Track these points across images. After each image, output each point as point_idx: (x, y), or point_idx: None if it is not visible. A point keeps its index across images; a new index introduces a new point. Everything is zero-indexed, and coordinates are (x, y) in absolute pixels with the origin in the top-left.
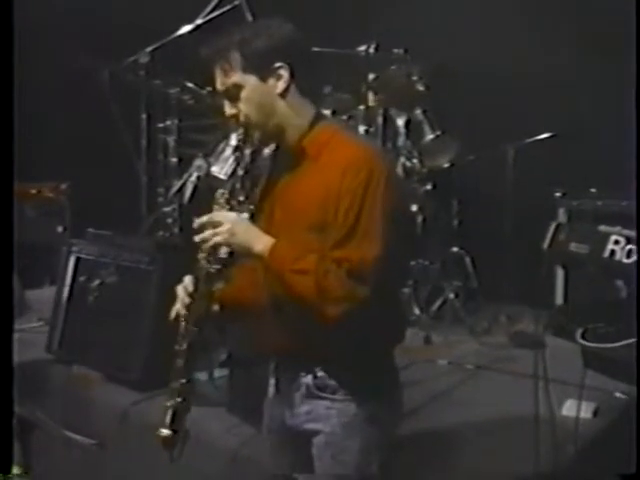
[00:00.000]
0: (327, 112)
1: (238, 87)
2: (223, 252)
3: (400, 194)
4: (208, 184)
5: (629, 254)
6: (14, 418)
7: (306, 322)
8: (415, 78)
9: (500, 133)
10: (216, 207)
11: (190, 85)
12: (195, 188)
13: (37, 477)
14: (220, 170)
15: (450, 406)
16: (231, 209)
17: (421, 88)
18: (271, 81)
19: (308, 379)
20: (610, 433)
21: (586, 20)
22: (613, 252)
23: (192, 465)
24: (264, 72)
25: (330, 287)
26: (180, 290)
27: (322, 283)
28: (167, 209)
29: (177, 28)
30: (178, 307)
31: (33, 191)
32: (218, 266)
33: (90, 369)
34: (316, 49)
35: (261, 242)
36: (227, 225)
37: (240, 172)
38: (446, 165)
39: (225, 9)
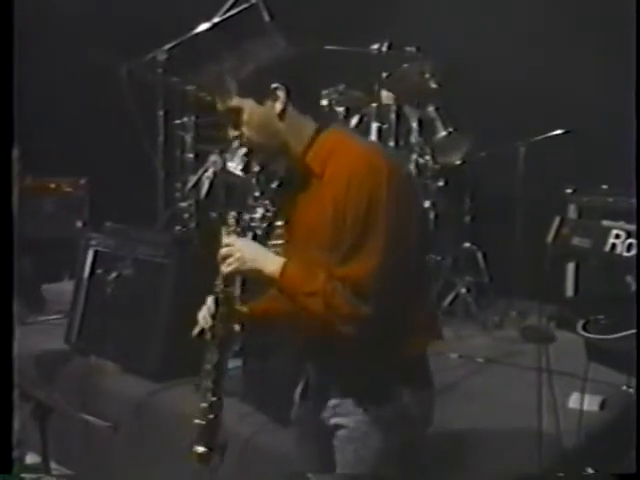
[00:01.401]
0: (340, 109)
1: (237, 111)
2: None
3: (409, 196)
4: (224, 180)
5: (629, 248)
6: (33, 402)
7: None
8: (428, 76)
9: (512, 130)
10: (226, 229)
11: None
12: (211, 184)
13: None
14: (236, 166)
15: (459, 398)
16: (242, 230)
17: (434, 85)
18: (269, 102)
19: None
20: (616, 426)
21: (596, 16)
22: (614, 246)
23: None
24: (260, 94)
25: (337, 306)
26: (202, 312)
27: (330, 303)
28: (184, 204)
29: (194, 26)
30: (199, 329)
31: (52, 186)
32: (233, 290)
33: (107, 360)
34: (330, 47)
35: (271, 264)
36: (236, 254)
37: (256, 168)
38: (458, 162)
39: (242, 7)
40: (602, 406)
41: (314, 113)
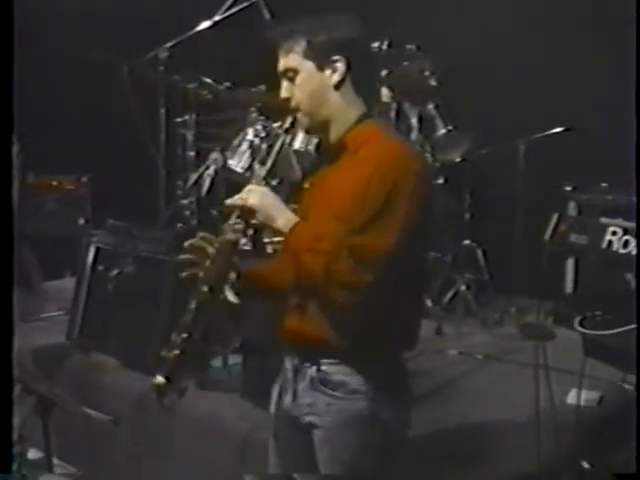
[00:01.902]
0: None
1: (295, 71)
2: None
3: (430, 198)
4: (225, 177)
5: (625, 244)
6: (35, 396)
7: (320, 312)
8: (428, 73)
9: (512, 128)
10: (253, 182)
11: (208, 80)
12: (212, 181)
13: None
14: (237, 163)
15: (458, 395)
16: (267, 185)
17: (434, 83)
18: (327, 72)
19: (312, 370)
20: (613, 422)
21: (597, 15)
22: (611, 242)
23: (206, 448)
24: (322, 61)
25: (337, 271)
26: (199, 241)
27: (331, 266)
28: (185, 201)
29: (196, 25)
30: (195, 262)
31: (54, 183)
32: (239, 234)
33: (109, 356)
34: None
35: (284, 218)
36: (258, 194)
37: (256, 165)
38: (458, 159)
39: (243, 6)
40: (600, 402)
41: (367, 98)
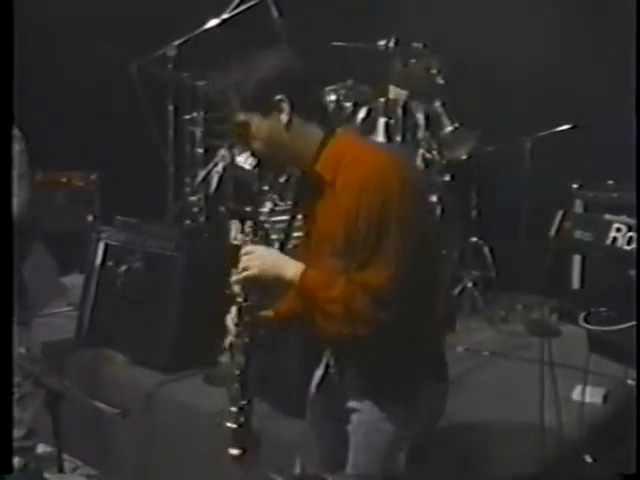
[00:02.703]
0: (348, 104)
1: (245, 125)
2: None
3: (420, 196)
4: (233, 174)
5: (629, 241)
6: (44, 389)
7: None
8: (434, 71)
9: (518, 125)
10: (242, 237)
11: None
12: (220, 178)
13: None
14: (245, 160)
15: (464, 391)
16: (259, 239)
17: (440, 81)
18: (274, 115)
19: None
20: (618, 418)
21: (602, 12)
22: (615, 239)
23: (214, 443)
24: (264, 108)
25: (357, 311)
26: (228, 321)
27: (350, 308)
28: (193, 198)
29: (204, 22)
30: (230, 338)
31: (63, 180)
32: (253, 300)
33: (117, 352)
34: (339, 44)
35: (291, 269)
36: (256, 261)
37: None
38: (465, 157)
39: (251, 3)
40: (605, 398)
41: (319, 120)
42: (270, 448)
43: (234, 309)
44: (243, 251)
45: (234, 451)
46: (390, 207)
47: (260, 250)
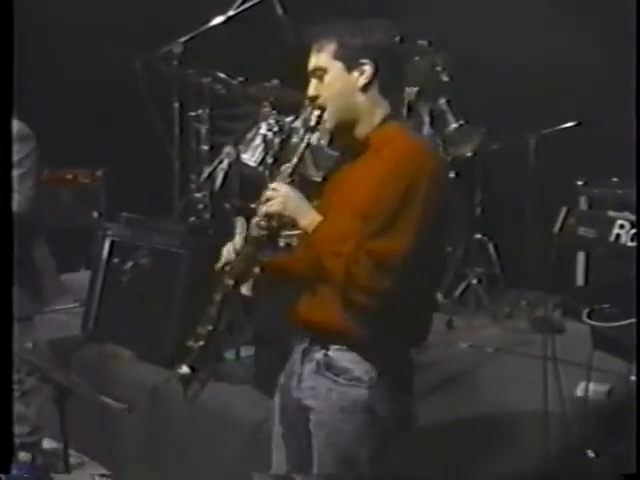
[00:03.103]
0: None
1: (324, 70)
2: (273, 222)
3: (447, 196)
4: (238, 171)
5: (633, 238)
6: (51, 384)
7: (335, 301)
8: (439, 69)
9: (523, 122)
10: (278, 179)
11: (222, 75)
12: (226, 175)
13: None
14: (250, 157)
15: (467, 387)
16: (292, 182)
17: (445, 79)
18: (355, 73)
19: (320, 354)
20: (622, 414)
21: (608, 9)
22: (618, 236)
23: (219, 438)
24: (351, 63)
25: (357, 275)
26: (227, 247)
27: (351, 269)
28: (198, 195)
29: (209, 20)
30: (222, 261)
31: (69, 177)
32: (265, 232)
33: (123, 347)
34: None
35: (308, 218)
36: (280, 197)
37: (269, 159)
38: (469, 154)
39: (256, 1)
40: (609, 395)
41: (392, 101)
42: None
43: (239, 236)
44: (271, 185)
45: (183, 368)
46: (416, 191)
47: (286, 189)
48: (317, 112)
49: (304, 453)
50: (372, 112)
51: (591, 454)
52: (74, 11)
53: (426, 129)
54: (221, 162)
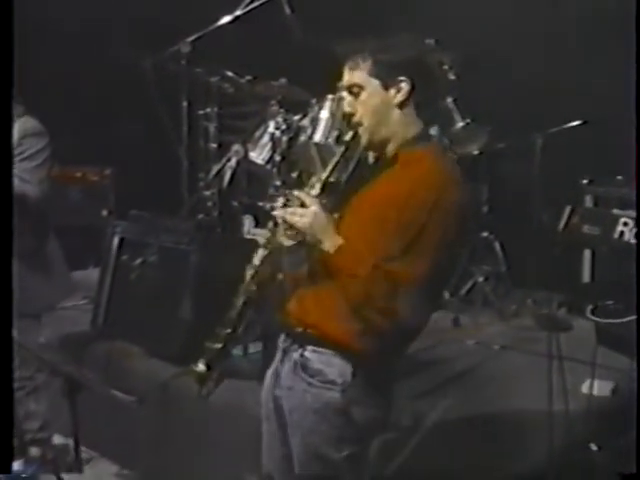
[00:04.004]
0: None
1: (360, 87)
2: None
3: (467, 224)
4: (246, 169)
5: (636, 235)
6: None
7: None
8: (446, 67)
9: (529, 121)
10: (307, 189)
11: (230, 74)
12: (234, 173)
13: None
14: (258, 155)
15: (473, 384)
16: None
17: (452, 77)
18: (392, 91)
19: (297, 354)
20: (627, 411)
21: (615, 7)
22: (622, 233)
23: (226, 433)
24: (388, 80)
25: (375, 297)
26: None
27: (369, 291)
28: (207, 193)
29: (217, 19)
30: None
31: (78, 175)
32: (290, 239)
33: (132, 344)
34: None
35: (331, 241)
36: (309, 215)
37: (277, 158)
38: (476, 152)
39: (263, 1)
40: (614, 392)
41: (426, 119)
42: None
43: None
44: (300, 196)
45: (199, 365)
46: (438, 217)
47: (316, 208)
48: (353, 129)
49: (286, 451)
50: (405, 129)
51: (594, 447)
52: (85, 11)
53: (433, 128)
54: (229, 160)
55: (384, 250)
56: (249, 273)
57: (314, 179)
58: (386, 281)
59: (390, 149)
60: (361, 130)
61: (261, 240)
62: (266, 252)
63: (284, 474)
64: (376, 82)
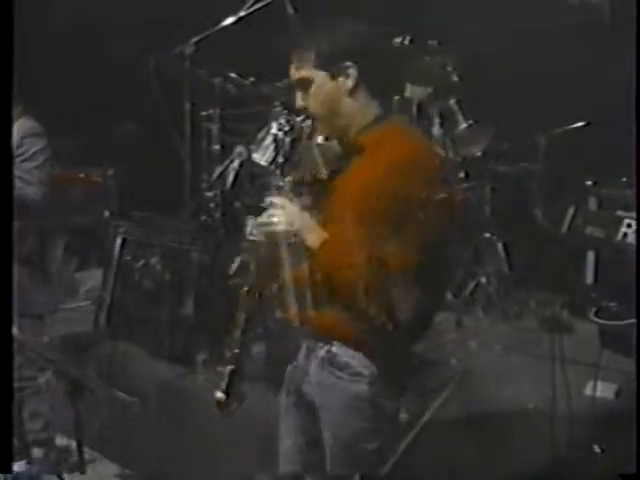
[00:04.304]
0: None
1: (308, 81)
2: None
3: (448, 195)
4: (249, 170)
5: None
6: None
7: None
8: (449, 69)
9: (532, 123)
10: (281, 194)
11: (233, 75)
12: (237, 174)
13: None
14: (261, 157)
15: (476, 385)
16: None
17: (455, 79)
18: (340, 79)
19: (323, 351)
20: (630, 414)
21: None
22: (625, 235)
23: (229, 433)
24: (334, 70)
25: (373, 287)
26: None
27: (367, 280)
28: (210, 194)
29: (221, 20)
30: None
31: (81, 176)
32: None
33: (135, 345)
34: None
35: (314, 234)
36: (284, 216)
37: (280, 159)
38: (479, 154)
39: (267, 1)
40: (617, 394)
41: (382, 100)
42: None
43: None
44: (277, 201)
45: (218, 394)
46: (419, 194)
47: (291, 207)
48: (308, 122)
49: (314, 448)
50: (363, 115)
51: (597, 449)
52: (87, 11)
53: (436, 129)
54: (232, 161)
55: (372, 239)
56: (244, 289)
57: (286, 180)
58: (380, 269)
59: (351, 136)
60: (317, 123)
61: (249, 255)
62: (255, 265)
63: (311, 468)
64: (322, 73)
